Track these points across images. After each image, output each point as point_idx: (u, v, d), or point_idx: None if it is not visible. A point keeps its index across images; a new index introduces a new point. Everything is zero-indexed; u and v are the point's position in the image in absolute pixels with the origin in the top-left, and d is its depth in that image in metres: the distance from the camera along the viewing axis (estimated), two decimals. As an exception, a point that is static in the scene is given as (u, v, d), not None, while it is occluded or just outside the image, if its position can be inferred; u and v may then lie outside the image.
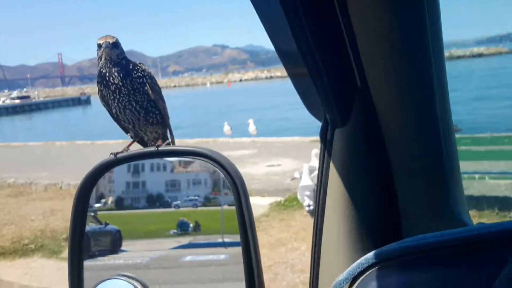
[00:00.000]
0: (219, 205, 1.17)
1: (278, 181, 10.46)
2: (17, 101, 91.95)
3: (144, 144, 1.44)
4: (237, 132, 18.42)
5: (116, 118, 1.40)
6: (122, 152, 1.25)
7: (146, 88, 1.30)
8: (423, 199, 1.03)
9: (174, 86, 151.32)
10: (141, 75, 1.30)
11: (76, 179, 12.16)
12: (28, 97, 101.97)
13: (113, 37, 1.28)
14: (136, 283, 1.13)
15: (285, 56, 1.02)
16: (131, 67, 1.30)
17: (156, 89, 1.34)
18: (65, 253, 7.11)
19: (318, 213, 1.09)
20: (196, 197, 1.17)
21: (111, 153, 1.26)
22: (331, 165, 1.06)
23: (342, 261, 1.04)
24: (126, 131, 1.44)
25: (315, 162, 9.64)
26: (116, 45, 1.27)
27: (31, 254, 7.71)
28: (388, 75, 0.92)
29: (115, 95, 1.29)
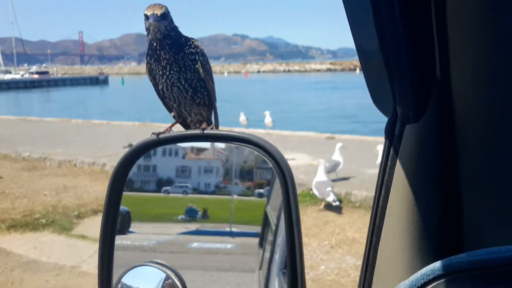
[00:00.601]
0: (229, 194, 1.16)
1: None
2: (36, 76, 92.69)
3: (186, 126, 1.37)
4: (252, 123, 18.39)
5: (161, 95, 1.32)
6: (164, 132, 1.18)
7: (197, 66, 1.23)
8: (497, 209, 0.95)
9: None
10: (193, 51, 1.23)
11: (90, 158, 12.23)
12: (47, 72, 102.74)
13: (161, 6, 1.19)
14: (168, 271, 1.10)
15: (361, 42, 0.95)
16: (183, 41, 1.22)
17: (207, 68, 1.27)
18: (76, 230, 7.14)
19: (376, 215, 1.02)
20: (187, 184, 1.16)
21: (153, 133, 1.18)
22: (397, 164, 0.98)
23: (401, 269, 0.97)
24: (170, 110, 1.36)
25: (337, 156, 9.65)
26: (164, 16, 1.18)
27: (42, 229, 7.74)
28: (476, 72, 0.85)
29: (164, 70, 1.22)
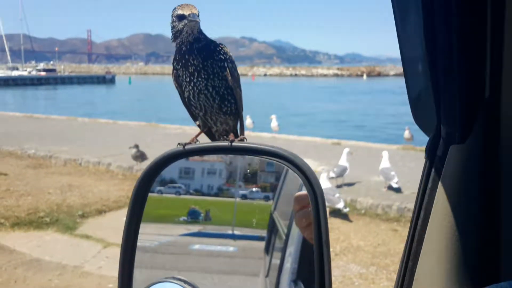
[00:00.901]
0: (232, 197, 1.14)
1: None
2: (43, 73, 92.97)
3: (211, 135, 1.32)
4: (258, 126, 18.36)
5: (187, 103, 1.26)
6: (190, 143, 1.14)
7: (226, 73, 1.18)
8: None
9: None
10: (222, 58, 1.18)
11: (96, 157, 12.23)
12: (54, 70, 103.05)
13: (195, 6, 1.14)
14: (188, 286, 1.09)
15: (408, 52, 0.91)
16: (212, 47, 1.17)
17: (236, 76, 1.22)
18: (80, 230, 7.13)
19: (413, 239, 0.98)
20: (180, 185, 1.14)
21: (179, 144, 1.13)
22: (439, 186, 0.94)
23: None
24: (195, 118, 1.32)
25: (344, 161, 9.65)
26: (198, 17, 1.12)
27: (46, 227, 7.73)
28: None
29: (192, 77, 1.17)
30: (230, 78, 1.19)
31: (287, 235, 1.09)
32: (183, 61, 1.16)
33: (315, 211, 0.97)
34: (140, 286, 1.12)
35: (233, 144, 1.08)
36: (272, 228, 1.14)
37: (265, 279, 1.11)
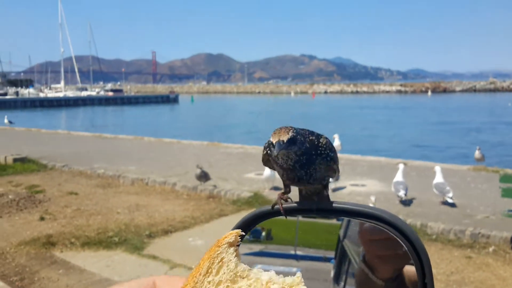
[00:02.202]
0: (295, 216, 1.10)
1: (362, 202, 10.15)
2: (111, 93, 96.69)
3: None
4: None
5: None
6: (276, 204, 1.07)
7: (330, 171, 1.11)
8: None
9: (259, 92, 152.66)
10: (326, 159, 1.09)
11: (162, 177, 12.46)
12: (121, 90, 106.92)
13: (288, 129, 1.07)
14: None
15: None
16: (314, 156, 1.08)
17: (336, 167, 1.12)
18: (147, 250, 7.22)
19: None
20: None
21: (273, 206, 1.05)
22: None
23: None
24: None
25: (399, 177, 9.66)
26: (293, 140, 1.04)
27: (114, 247, 7.88)
28: None
29: (294, 181, 1.10)
30: (333, 172, 1.11)
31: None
32: (282, 172, 1.09)
33: (421, 279, 0.90)
34: None
35: (332, 206, 1.01)
36: (342, 256, 1.11)
37: None
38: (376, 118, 48.67)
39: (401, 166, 10.18)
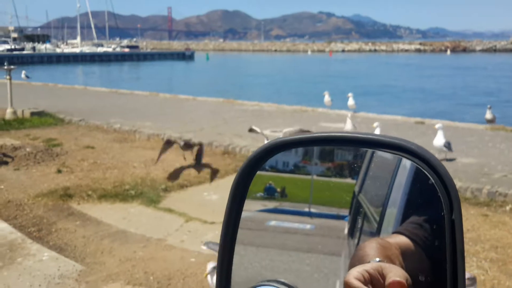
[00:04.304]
0: (309, 174, 1.11)
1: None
2: (127, 49, 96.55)
3: None
4: (337, 104, 18.07)
5: None
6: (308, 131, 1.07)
7: None
8: None
9: (275, 50, 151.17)
10: None
11: (178, 132, 12.49)
12: (137, 47, 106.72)
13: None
14: None
15: None
16: None
17: None
18: (163, 203, 7.30)
19: None
20: None
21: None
22: None
23: None
24: None
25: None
26: None
27: (131, 200, 7.97)
28: None
29: None
30: None
31: (380, 224, 1.02)
32: None
33: (448, 218, 0.86)
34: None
35: (349, 135, 1.00)
36: (358, 211, 1.08)
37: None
38: (392, 77, 48.06)
39: (438, 126, 9.73)
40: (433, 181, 0.89)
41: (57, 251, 6.08)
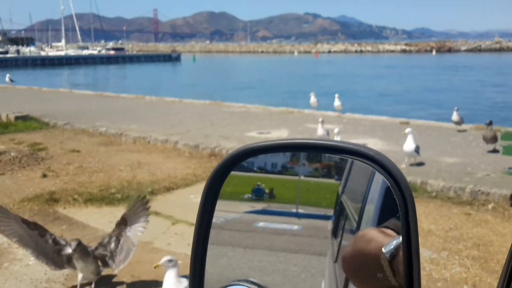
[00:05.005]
0: (296, 175, 1.12)
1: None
2: (112, 52, 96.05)
3: None
4: (323, 105, 18.14)
5: None
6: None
7: None
8: None
9: (262, 52, 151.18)
10: None
11: (164, 135, 12.48)
12: (122, 49, 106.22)
13: None
14: None
15: None
16: None
17: None
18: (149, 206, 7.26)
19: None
20: (244, 163, 1.13)
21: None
22: None
23: None
24: None
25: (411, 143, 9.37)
26: None
27: (117, 204, 7.96)
28: None
29: None
30: None
31: (359, 222, 1.05)
32: None
33: (404, 219, 0.91)
34: (211, 267, 1.13)
35: (311, 141, 1.04)
36: (340, 211, 1.11)
37: (334, 264, 1.08)
38: (378, 77, 48.35)
39: (408, 131, 9.57)
40: (389, 184, 0.94)
41: (43, 255, 6.07)
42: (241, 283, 1.09)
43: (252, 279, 1.09)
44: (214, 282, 1.13)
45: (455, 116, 12.87)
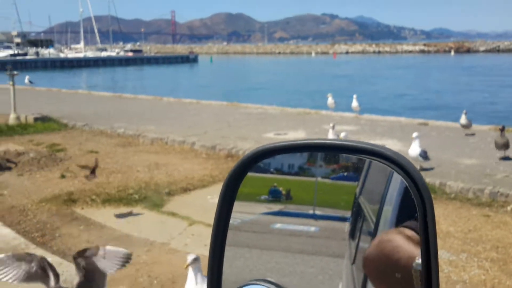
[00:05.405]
0: (313, 176, 1.11)
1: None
2: (130, 53, 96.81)
3: None
4: (341, 106, 18.07)
5: None
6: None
7: None
8: None
9: (279, 53, 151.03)
10: None
11: (181, 136, 12.54)
12: (141, 51, 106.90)
13: None
14: None
15: None
16: None
17: None
18: (166, 207, 7.32)
19: None
20: (260, 164, 1.12)
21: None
22: None
23: None
24: None
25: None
26: None
27: (135, 204, 8.01)
28: None
29: None
30: None
31: (377, 223, 1.03)
32: None
33: (422, 220, 0.91)
34: (228, 268, 1.13)
35: (329, 142, 1.05)
36: (358, 213, 1.09)
37: (352, 266, 1.07)
38: (397, 78, 48.01)
39: (415, 135, 9.35)
40: (407, 185, 0.93)
41: (61, 256, 6.12)
42: (259, 282, 1.09)
43: (270, 279, 1.09)
44: (231, 283, 1.12)
45: (463, 119, 12.53)
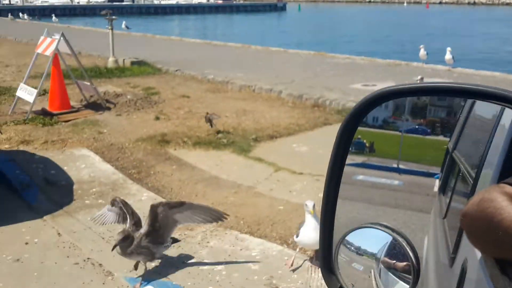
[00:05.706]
0: (398, 130, 1.10)
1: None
2: (220, 1, 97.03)
3: None
4: (432, 58, 17.37)
5: None
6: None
7: None
8: None
9: (369, 2, 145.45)
10: None
11: (268, 84, 12.68)
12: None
13: None
14: (397, 236, 1.03)
15: None
16: None
17: None
18: (253, 153, 7.56)
19: None
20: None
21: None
22: None
23: None
24: None
25: None
26: None
27: (223, 148, 8.32)
28: None
29: None
30: None
31: (476, 180, 0.98)
32: None
33: None
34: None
35: (454, 85, 0.95)
36: (451, 168, 1.08)
37: (443, 220, 1.06)
38: (493, 32, 45.10)
39: None
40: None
41: (155, 192, 6.57)
42: (373, 225, 1.06)
43: (385, 223, 1.05)
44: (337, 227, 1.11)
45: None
